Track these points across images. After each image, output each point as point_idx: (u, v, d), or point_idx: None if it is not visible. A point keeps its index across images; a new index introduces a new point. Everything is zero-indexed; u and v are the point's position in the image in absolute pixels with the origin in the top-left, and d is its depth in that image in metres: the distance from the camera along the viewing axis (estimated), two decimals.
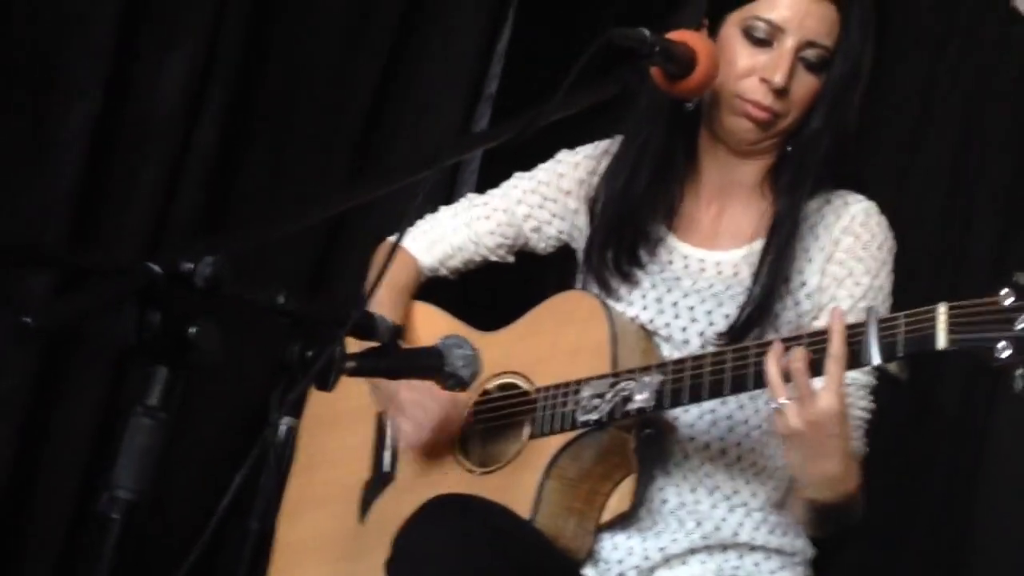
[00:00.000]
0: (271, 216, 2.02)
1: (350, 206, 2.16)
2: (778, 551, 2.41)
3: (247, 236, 1.90)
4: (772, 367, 2.13)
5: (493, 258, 2.63)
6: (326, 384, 2.05)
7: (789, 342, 2.15)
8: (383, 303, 2.53)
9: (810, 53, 2.37)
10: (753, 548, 2.40)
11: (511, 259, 2.64)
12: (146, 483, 1.66)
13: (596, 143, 2.61)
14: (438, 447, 2.49)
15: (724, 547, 2.39)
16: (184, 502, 2.84)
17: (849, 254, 2.39)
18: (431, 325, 2.58)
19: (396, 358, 2.20)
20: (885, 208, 2.47)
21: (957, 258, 3.21)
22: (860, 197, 2.45)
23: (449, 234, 2.62)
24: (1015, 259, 2.63)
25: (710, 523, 2.39)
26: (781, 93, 2.36)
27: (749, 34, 2.38)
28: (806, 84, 2.38)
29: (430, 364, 2.26)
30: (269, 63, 3.15)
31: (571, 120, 2.41)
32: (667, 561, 2.38)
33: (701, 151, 2.49)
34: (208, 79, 3.03)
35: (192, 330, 1.70)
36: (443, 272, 2.64)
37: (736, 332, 2.34)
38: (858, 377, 2.32)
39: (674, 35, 2.30)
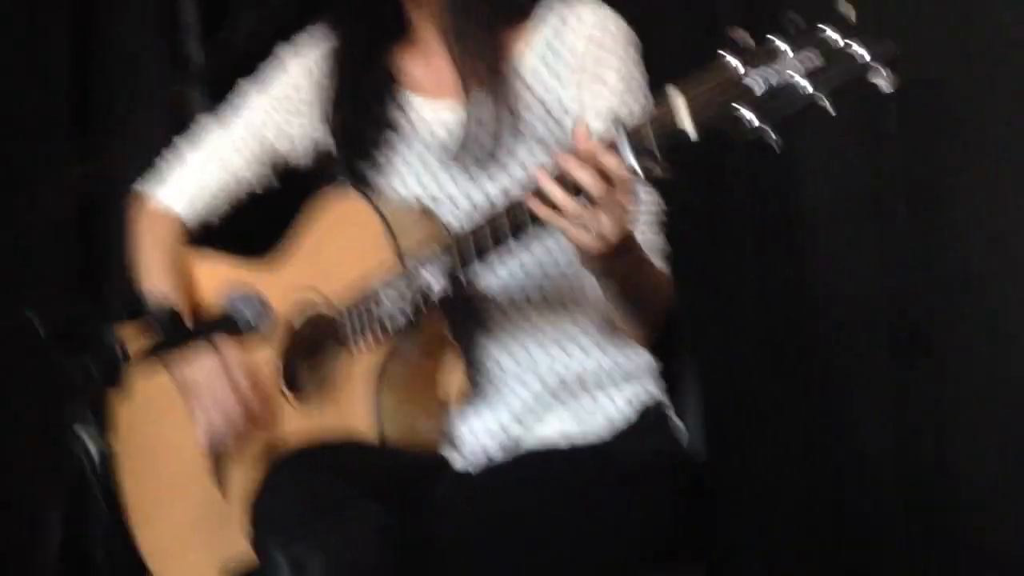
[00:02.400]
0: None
1: (87, 169, 2.07)
2: (625, 376, 2.38)
3: None
4: (546, 183, 2.04)
5: (258, 189, 2.55)
6: (116, 384, 1.99)
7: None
8: (155, 275, 2.48)
9: None
10: (600, 384, 2.36)
11: (275, 183, 2.56)
12: None
13: (311, 30, 2.53)
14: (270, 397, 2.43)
15: (573, 393, 2.36)
16: None
17: (595, 61, 2.34)
18: (215, 275, 2.50)
19: (185, 335, 2.13)
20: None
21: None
22: (585, 1, 2.38)
23: (205, 180, 2.53)
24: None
25: (551, 375, 2.35)
26: None
27: None
28: None
29: (223, 330, 2.18)
30: None
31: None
32: (523, 427, 2.34)
33: (408, 7, 2.42)
34: None
35: None
36: (211, 220, 2.55)
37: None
38: None
39: None
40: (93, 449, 1.95)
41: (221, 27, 2.03)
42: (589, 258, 2.08)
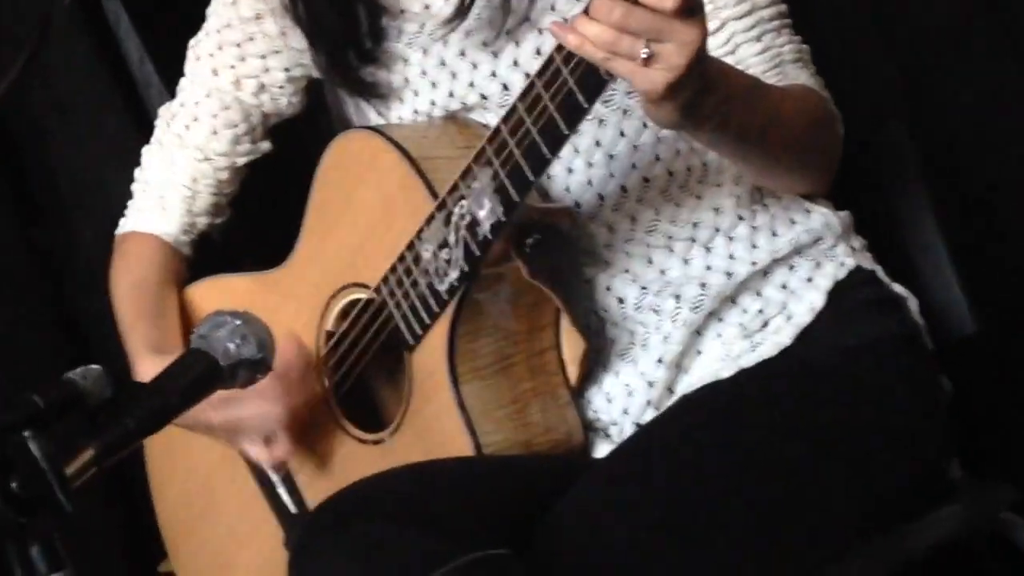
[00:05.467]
0: None
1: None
2: (797, 250, 1.70)
3: None
4: (582, 22, 1.38)
5: (242, 161, 1.91)
6: (65, 503, 1.41)
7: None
8: (139, 331, 1.86)
9: None
10: (765, 273, 1.69)
11: (267, 146, 1.93)
12: None
13: None
14: (323, 439, 1.80)
15: (731, 299, 1.69)
16: None
17: None
18: (227, 302, 1.84)
19: (148, 399, 1.49)
20: None
21: None
22: None
23: (172, 175, 1.91)
24: None
25: (691, 285, 1.68)
26: None
27: None
28: None
29: (200, 373, 1.53)
30: None
31: None
32: (678, 368, 1.69)
33: None
34: None
35: None
36: (202, 224, 1.93)
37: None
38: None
39: None
40: None
41: None
42: (667, 108, 1.41)
